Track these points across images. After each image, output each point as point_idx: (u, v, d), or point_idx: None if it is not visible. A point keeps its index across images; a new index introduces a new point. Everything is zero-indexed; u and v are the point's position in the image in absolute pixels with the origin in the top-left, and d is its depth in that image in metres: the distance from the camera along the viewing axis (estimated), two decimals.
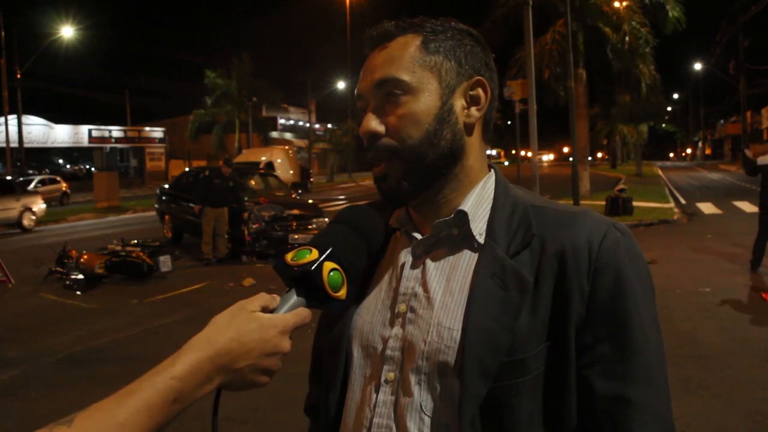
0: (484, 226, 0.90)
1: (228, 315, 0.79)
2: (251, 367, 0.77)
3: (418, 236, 0.94)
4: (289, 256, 0.83)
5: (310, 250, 0.83)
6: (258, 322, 0.78)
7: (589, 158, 24.75)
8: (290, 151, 27.45)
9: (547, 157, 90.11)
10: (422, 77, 0.88)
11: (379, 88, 0.89)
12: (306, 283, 0.82)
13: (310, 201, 13.11)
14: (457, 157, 0.91)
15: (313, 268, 0.81)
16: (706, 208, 17.07)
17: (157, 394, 0.71)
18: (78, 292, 8.55)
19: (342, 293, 0.83)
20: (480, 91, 0.92)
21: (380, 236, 0.94)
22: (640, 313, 0.83)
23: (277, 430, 4.11)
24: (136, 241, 10.54)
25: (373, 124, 0.89)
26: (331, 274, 0.82)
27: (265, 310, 0.80)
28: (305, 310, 0.82)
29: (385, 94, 0.89)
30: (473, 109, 0.92)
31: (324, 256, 0.82)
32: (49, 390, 4.77)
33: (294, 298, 0.82)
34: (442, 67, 0.90)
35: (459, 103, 0.91)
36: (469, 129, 0.92)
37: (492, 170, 0.97)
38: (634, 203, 15.36)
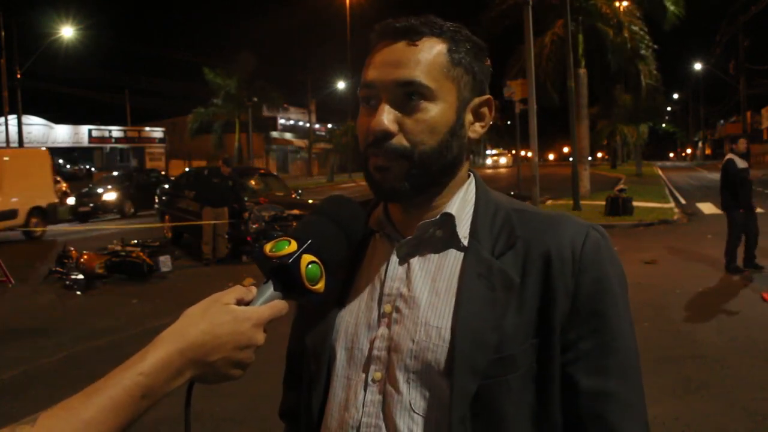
0: (468, 229, 0.92)
1: (201, 307, 0.78)
2: (224, 360, 0.76)
3: (399, 238, 0.94)
4: (267, 247, 0.83)
5: (289, 242, 0.82)
6: (232, 314, 0.77)
7: (589, 158, 24.74)
8: (38, 157, 16.42)
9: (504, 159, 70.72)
10: (444, 87, 0.88)
11: (400, 86, 0.87)
12: (284, 275, 0.81)
13: (310, 201, 13.10)
14: (456, 168, 0.93)
15: (290, 260, 0.80)
16: (706, 208, 17.06)
17: (125, 391, 0.69)
18: (78, 292, 8.55)
19: (320, 286, 0.83)
20: (486, 109, 0.95)
21: (360, 229, 0.94)
22: (619, 311, 0.88)
23: (275, 431, 4.11)
24: (136, 241, 10.54)
25: (387, 121, 0.87)
26: (309, 266, 0.81)
27: (241, 302, 0.79)
28: (281, 303, 0.81)
29: (406, 95, 0.87)
30: (477, 125, 0.94)
31: (302, 248, 0.82)
32: (49, 390, 4.78)
33: (270, 291, 0.81)
34: (462, 80, 0.90)
35: (468, 117, 0.93)
36: (471, 143, 0.94)
37: (471, 174, 0.98)
38: (634, 203, 15.36)
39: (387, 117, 0.87)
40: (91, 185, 23.64)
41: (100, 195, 21.33)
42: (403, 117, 0.88)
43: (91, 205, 20.82)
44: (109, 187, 21.88)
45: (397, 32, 0.89)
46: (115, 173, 25.84)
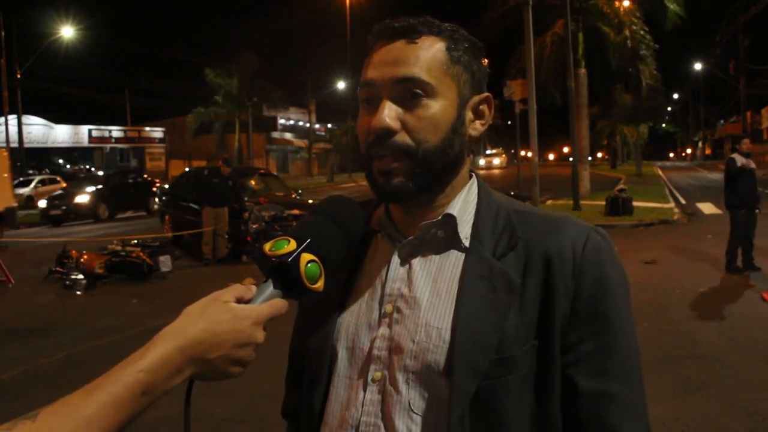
0: (470, 230, 0.92)
1: (201, 305, 0.78)
2: (224, 358, 0.77)
3: (401, 238, 0.95)
4: (267, 247, 0.83)
5: (289, 241, 0.83)
6: (231, 312, 0.77)
7: (589, 158, 24.73)
8: None
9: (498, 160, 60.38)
10: (444, 84, 0.89)
11: (400, 83, 0.87)
12: (283, 273, 0.81)
13: (310, 201, 13.11)
14: (458, 166, 0.93)
15: (290, 259, 0.80)
16: (706, 208, 17.06)
17: (125, 387, 0.70)
18: (78, 292, 8.55)
19: (319, 285, 0.83)
20: (485, 107, 0.95)
21: (360, 229, 0.94)
22: (620, 313, 0.87)
23: (276, 431, 4.11)
24: (136, 241, 10.54)
25: (390, 119, 0.86)
26: (309, 265, 0.82)
27: (240, 300, 0.80)
28: (281, 301, 0.82)
29: (406, 92, 0.87)
30: (478, 123, 0.95)
31: (302, 247, 0.82)
32: (49, 390, 4.78)
33: (270, 289, 0.82)
34: (461, 77, 0.91)
35: (468, 115, 0.93)
36: (471, 141, 0.94)
37: (473, 176, 0.99)
38: (634, 203, 15.36)
39: (389, 114, 0.86)
40: (63, 187, 21.92)
41: (73, 197, 19.90)
42: (404, 114, 0.87)
43: (63, 208, 19.50)
44: (83, 189, 20.44)
45: (396, 32, 0.89)
46: (100, 173, 24.41)
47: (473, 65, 0.93)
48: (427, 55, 0.88)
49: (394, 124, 0.87)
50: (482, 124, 0.95)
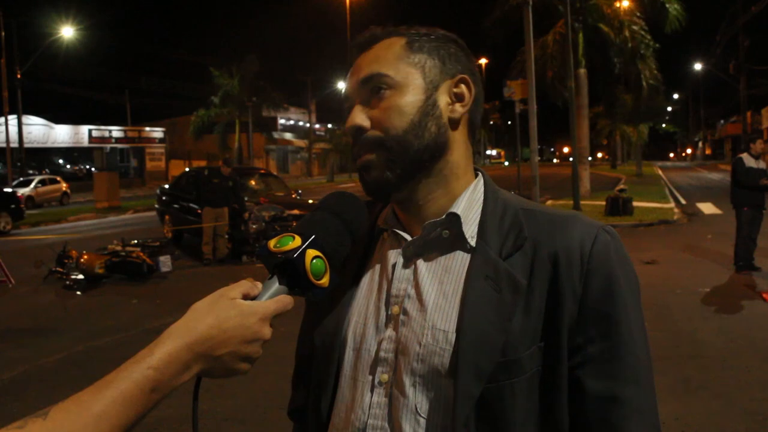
0: (476, 229, 0.91)
1: (208, 302, 0.79)
2: (231, 354, 0.77)
3: (407, 237, 0.94)
4: (272, 243, 0.83)
5: (293, 237, 0.83)
6: (238, 309, 0.78)
7: (589, 158, 24.72)
8: None
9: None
10: (406, 73, 0.90)
11: (364, 84, 0.91)
12: (288, 270, 0.82)
13: (311, 201, 13.10)
14: (442, 150, 0.92)
15: (295, 255, 0.81)
16: (706, 208, 17.06)
17: (134, 384, 0.70)
18: (78, 292, 8.55)
19: (325, 281, 0.83)
20: (464, 87, 0.94)
21: (363, 224, 0.94)
22: (628, 314, 0.86)
23: (276, 430, 4.11)
24: (136, 241, 10.53)
25: (358, 118, 0.90)
26: (314, 261, 0.82)
27: (247, 297, 0.80)
28: (287, 297, 0.82)
29: (370, 90, 0.91)
30: (457, 105, 0.93)
31: (307, 243, 0.82)
32: (49, 390, 4.78)
33: (276, 285, 0.82)
34: (426, 64, 0.92)
35: (443, 98, 0.92)
36: (453, 124, 0.93)
37: (480, 174, 0.98)
38: (634, 203, 15.35)
39: (358, 115, 0.91)
40: None
41: None
42: (371, 110, 0.91)
43: None
44: None
45: (360, 45, 0.95)
46: None
47: (441, 51, 0.93)
48: (385, 52, 0.92)
49: (364, 123, 0.90)
50: (463, 106, 0.93)
